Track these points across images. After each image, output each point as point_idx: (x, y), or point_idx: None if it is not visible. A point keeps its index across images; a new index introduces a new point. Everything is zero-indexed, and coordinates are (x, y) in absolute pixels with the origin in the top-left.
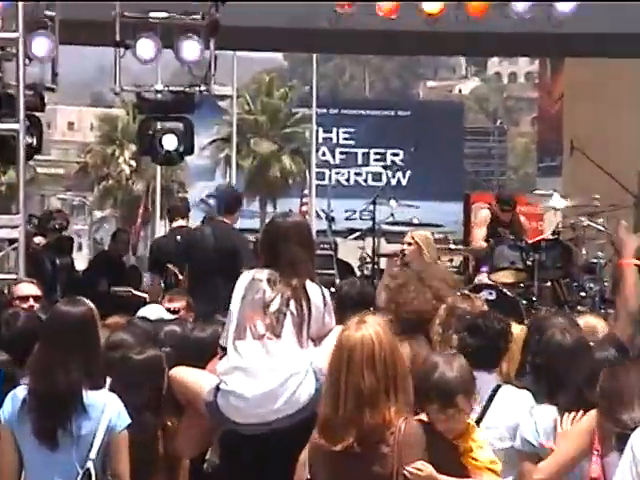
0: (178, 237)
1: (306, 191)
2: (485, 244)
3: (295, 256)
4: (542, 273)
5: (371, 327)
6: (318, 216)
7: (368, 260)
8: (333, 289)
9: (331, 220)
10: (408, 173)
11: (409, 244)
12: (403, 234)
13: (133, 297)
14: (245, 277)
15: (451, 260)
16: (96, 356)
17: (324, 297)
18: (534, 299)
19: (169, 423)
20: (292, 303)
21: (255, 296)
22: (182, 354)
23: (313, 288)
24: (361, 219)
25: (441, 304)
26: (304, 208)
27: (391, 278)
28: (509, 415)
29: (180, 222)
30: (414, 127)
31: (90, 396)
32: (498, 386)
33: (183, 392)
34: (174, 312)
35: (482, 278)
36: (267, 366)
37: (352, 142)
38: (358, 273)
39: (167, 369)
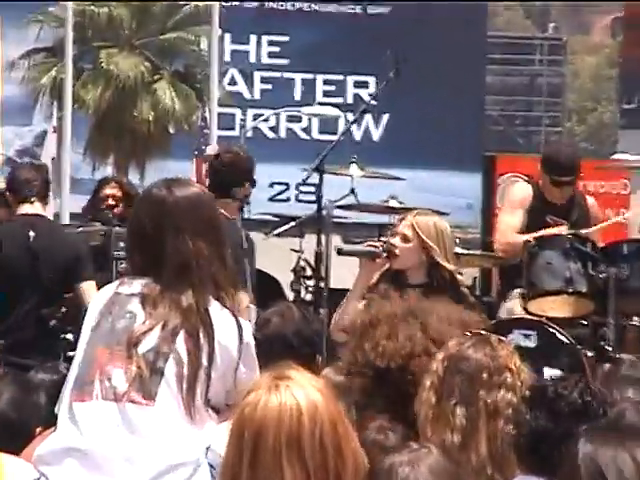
0: (31, 233)
1: (207, 148)
2: (520, 239)
3: (190, 254)
4: (623, 301)
5: (298, 389)
6: None
7: (309, 273)
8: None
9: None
10: (384, 119)
11: (404, 238)
12: (376, 228)
13: None
14: (104, 293)
15: (459, 274)
16: None
17: (240, 332)
18: (608, 347)
19: None
20: (181, 339)
21: (116, 324)
22: None
23: (222, 316)
24: (298, 200)
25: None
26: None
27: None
28: None
29: (35, 207)
30: (396, 35)
31: None
32: None
33: None
34: None
35: (513, 307)
36: (126, 451)
37: (284, 61)
38: (291, 296)
39: None
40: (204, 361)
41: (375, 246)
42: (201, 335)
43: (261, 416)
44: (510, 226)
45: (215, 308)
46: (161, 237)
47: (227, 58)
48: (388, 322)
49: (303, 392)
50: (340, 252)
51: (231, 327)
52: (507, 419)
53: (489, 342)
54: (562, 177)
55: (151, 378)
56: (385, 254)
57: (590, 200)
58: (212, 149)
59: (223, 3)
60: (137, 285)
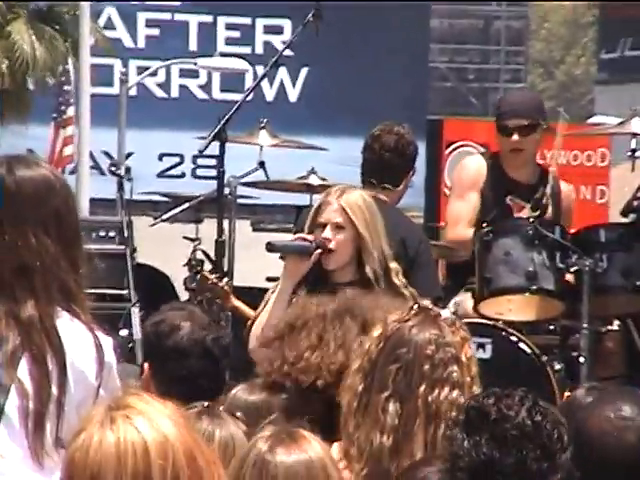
0: None
1: (69, 110)
2: (469, 232)
3: (33, 253)
4: (600, 301)
5: (141, 420)
6: (95, 166)
7: (208, 267)
8: (125, 332)
9: (125, 175)
10: (303, 74)
11: (337, 226)
12: (294, 210)
13: None
14: None
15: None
16: None
17: (100, 351)
18: (581, 358)
19: None
20: (23, 364)
21: None
22: None
23: (75, 332)
24: (194, 176)
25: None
26: (68, 150)
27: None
28: None
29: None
30: None
31: None
32: None
33: None
34: None
35: (464, 300)
36: None
37: None
38: (183, 296)
39: None
40: (54, 390)
41: (309, 240)
42: (48, 357)
43: (95, 461)
44: (461, 217)
45: (65, 322)
46: None
47: None
48: (316, 325)
49: (148, 423)
50: (271, 249)
51: (87, 345)
52: (449, 423)
53: (437, 323)
54: (510, 120)
55: None
56: (319, 251)
57: (564, 186)
58: None
59: None
60: None
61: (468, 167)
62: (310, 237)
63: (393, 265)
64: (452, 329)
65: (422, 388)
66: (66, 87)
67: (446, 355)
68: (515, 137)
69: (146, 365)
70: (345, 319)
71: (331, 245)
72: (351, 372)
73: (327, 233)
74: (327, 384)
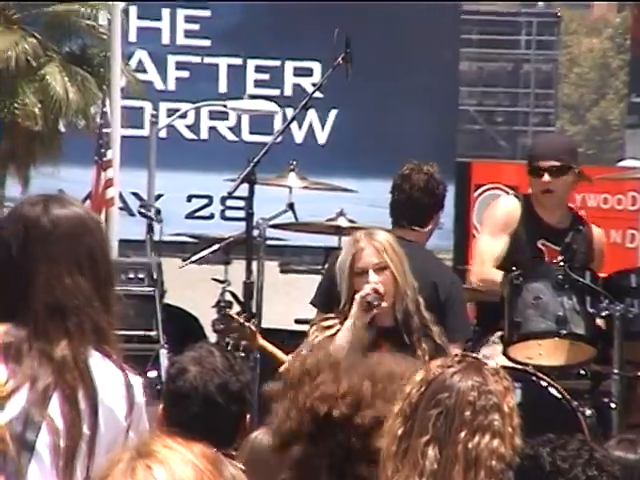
0: None
1: (109, 153)
2: (498, 276)
3: (67, 293)
4: (631, 346)
5: (160, 469)
6: (125, 207)
7: (236, 309)
8: (153, 373)
9: (155, 217)
10: (332, 116)
11: (381, 267)
12: (322, 252)
13: None
14: None
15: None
16: None
17: (130, 391)
18: (612, 404)
19: None
20: (55, 402)
21: None
22: None
23: (106, 371)
24: (223, 217)
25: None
26: (110, 192)
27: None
28: None
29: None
30: (346, 10)
31: None
32: None
33: None
34: None
35: (492, 354)
36: None
37: (205, 42)
38: (212, 338)
39: None
40: (85, 430)
41: (379, 293)
42: (80, 396)
43: None
44: (489, 256)
45: (96, 361)
46: (30, 268)
47: (133, 38)
48: (331, 370)
49: (168, 473)
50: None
51: (118, 385)
52: (489, 472)
53: (481, 371)
54: (541, 161)
55: (18, 455)
56: (377, 302)
57: (596, 230)
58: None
59: None
60: None
61: (503, 206)
62: (381, 289)
63: (421, 299)
64: (495, 378)
65: (462, 434)
66: (106, 130)
67: (488, 403)
68: (546, 178)
69: (161, 406)
70: (354, 370)
71: (381, 289)
72: (392, 416)
73: (373, 277)
74: (342, 416)
